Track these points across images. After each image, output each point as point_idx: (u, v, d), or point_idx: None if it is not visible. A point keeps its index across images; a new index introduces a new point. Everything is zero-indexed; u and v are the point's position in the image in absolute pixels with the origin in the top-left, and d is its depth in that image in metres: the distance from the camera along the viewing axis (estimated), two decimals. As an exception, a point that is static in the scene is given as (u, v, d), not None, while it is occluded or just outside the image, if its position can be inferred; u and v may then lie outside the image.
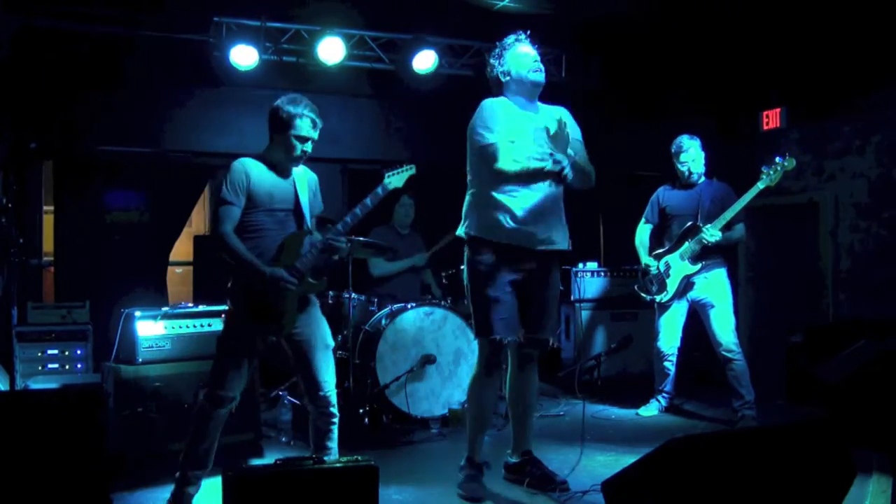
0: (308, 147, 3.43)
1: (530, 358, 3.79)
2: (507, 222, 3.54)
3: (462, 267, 5.56)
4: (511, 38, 3.70)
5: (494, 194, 3.56)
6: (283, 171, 3.46)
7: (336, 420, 3.50)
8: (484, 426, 3.80)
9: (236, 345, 3.39)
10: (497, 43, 3.74)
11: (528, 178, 3.52)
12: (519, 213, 3.55)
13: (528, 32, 3.73)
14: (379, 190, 3.53)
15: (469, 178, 3.71)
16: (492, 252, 3.58)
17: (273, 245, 3.39)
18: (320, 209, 3.65)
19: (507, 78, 3.67)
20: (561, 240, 3.69)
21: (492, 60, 3.73)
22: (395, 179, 3.59)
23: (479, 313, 3.61)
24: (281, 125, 3.39)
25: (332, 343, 3.54)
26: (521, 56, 3.66)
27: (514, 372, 3.84)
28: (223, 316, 3.78)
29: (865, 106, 5.86)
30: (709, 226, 4.88)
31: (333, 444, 3.50)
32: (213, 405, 3.36)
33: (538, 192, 3.58)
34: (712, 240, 4.86)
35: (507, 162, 3.47)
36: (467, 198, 3.71)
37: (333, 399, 3.48)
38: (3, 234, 4.49)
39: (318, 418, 3.49)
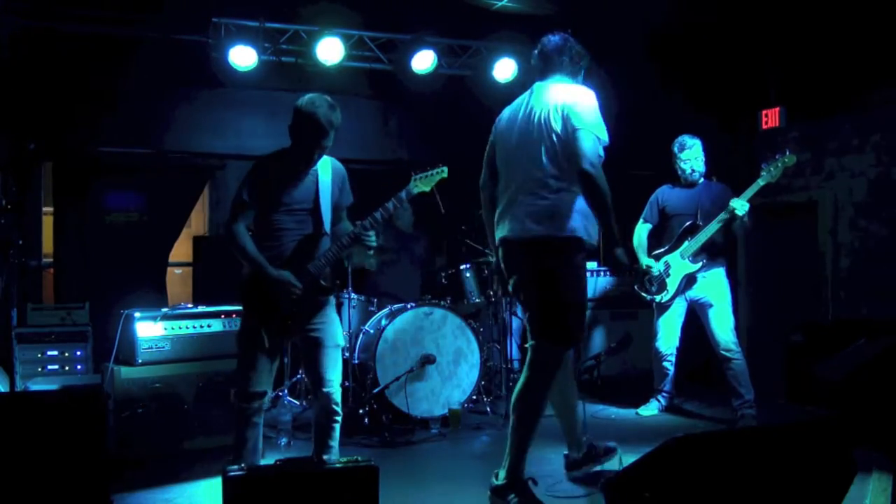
0: (327, 144, 3.37)
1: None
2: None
3: (462, 267, 5.60)
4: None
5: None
6: (303, 170, 3.43)
7: (339, 419, 3.50)
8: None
9: (249, 340, 3.42)
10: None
11: None
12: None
13: None
14: (402, 194, 3.44)
15: None
16: (496, 253, 3.55)
17: (293, 245, 3.38)
18: (350, 202, 3.56)
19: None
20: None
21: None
22: (422, 183, 3.47)
23: None
24: (304, 132, 3.31)
25: (342, 343, 3.55)
26: None
27: None
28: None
29: (864, 104, 5.86)
30: (736, 199, 4.77)
31: (335, 442, 3.50)
32: (241, 401, 3.39)
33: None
34: (742, 210, 4.74)
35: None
36: None
37: (337, 398, 3.48)
38: (2, 235, 4.48)
39: (320, 414, 3.49)
